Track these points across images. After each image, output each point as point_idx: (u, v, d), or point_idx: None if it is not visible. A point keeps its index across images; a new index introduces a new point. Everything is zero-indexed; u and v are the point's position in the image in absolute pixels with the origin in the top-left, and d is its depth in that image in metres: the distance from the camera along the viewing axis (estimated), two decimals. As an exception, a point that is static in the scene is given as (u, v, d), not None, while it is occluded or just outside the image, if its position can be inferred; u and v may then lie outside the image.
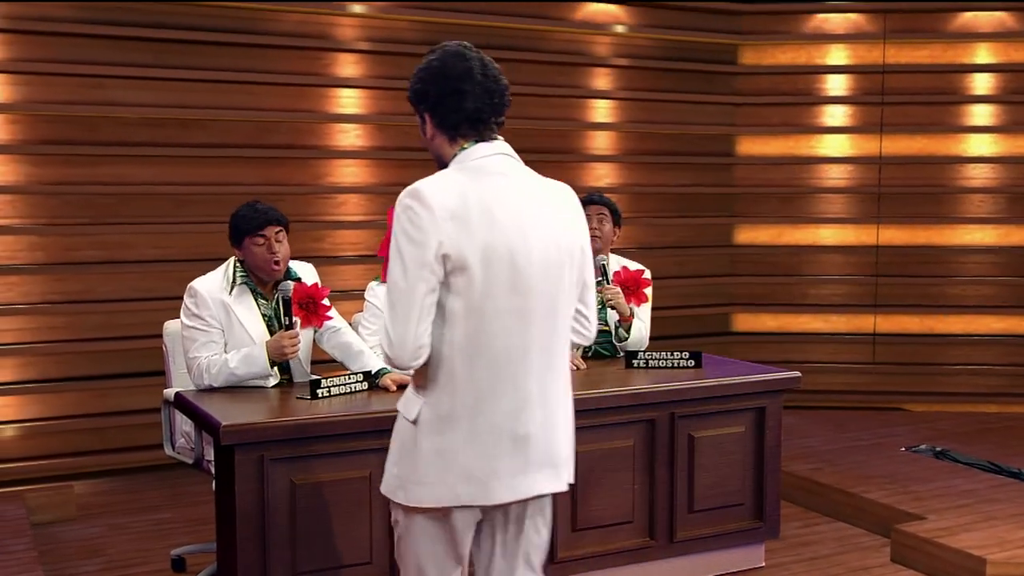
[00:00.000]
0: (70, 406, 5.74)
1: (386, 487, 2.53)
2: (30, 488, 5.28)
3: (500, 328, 2.38)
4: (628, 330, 4.48)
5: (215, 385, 3.78)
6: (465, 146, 2.49)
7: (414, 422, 2.44)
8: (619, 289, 4.40)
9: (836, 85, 7.47)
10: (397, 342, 2.36)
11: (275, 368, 3.82)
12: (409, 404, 2.48)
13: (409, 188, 2.40)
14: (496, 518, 2.52)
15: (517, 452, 2.42)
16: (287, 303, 3.79)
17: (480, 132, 2.50)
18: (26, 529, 4.75)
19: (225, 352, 3.81)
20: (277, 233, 3.84)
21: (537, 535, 2.59)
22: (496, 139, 2.52)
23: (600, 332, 4.49)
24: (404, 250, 2.36)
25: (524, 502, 2.50)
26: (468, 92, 2.46)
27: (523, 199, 2.46)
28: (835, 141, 7.49)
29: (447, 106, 2.47)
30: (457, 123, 2.48)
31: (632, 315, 4.47)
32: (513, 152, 2.54)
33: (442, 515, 2.44)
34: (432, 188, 2.38)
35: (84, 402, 5.77)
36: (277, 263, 3.83)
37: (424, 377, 2.43)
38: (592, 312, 2.62)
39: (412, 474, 2.44)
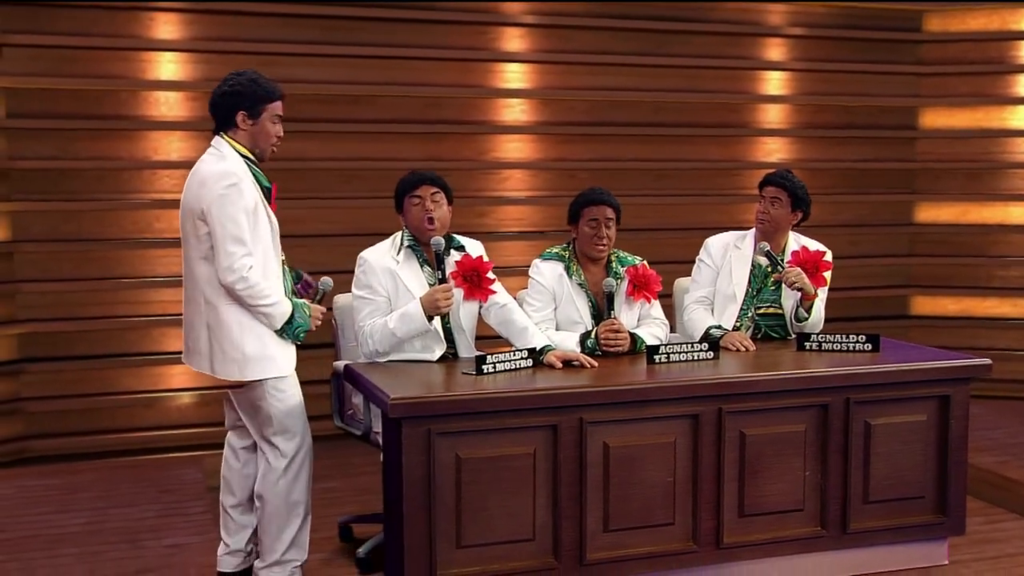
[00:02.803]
0: (244, 375, 5.94)
1: None
2: (206, 453, 5.52)
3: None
4: (808, 310, 4.28)
5: (380, 350, 3.85)
6: None
7: None
8: (799, 269, 4.21)
9: (1033, 52, 6.99)
10: None
11: (434, 323, 3.82)
12: None
13: None
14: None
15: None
16: (439, 257, 3.82)
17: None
18: (203, 493, 4.95)
19: None
20: (433, 194, 3.89)
21: (247, 413, 3.71)
22: (215, 136, 3.64)
23: (771, 315, 4.35)
24: None
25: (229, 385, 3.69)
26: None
27: (194, 172, 3.64)
28: (1030, 113, 7.02)
29: None
30: None
31: (815, 294, 4.27)
32: (217, 143, 3.62)
33: None
34: None
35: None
36: (431, 220, 3.86)
37: None
38: (222, 256, 3.50)
39: None
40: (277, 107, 3.65)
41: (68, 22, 5.62)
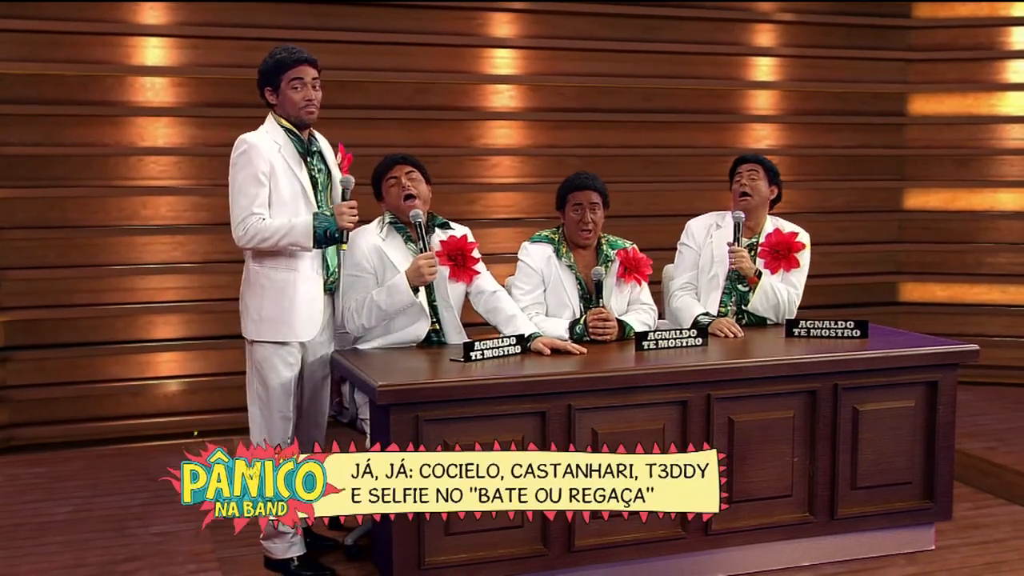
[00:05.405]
0: (231, 363, 5.91)
1: None
2: (193, 441, 5.50)
3: None
4: (752, 290, 4.30)
5: (367, 324, 3.86)
6: None
7: None
8: (744, 251, 4.24)
9: (1022, 39, 6.96)
10: None
11: (419, 295, 3.84)
12: None
13: None
14: None
15: None
16: (420, 227, 3.87)
17: None
18: (190, 480, 4.92)
19: None
20: (408, 173, 3.94)
21: None
22: None
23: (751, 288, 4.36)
24: None
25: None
26: None
27: None
28: (1019, 99, 7.01)
29: None
30: None
31: (757, 276, 4.27)
32: (267, 119, 3.81)
33: None
34: None
35: (245, 359, 5.94)
36: (409, 196, 3.90)
37: None
38: (231, 218, 3.67)
39: None
40: (293, 72, 3.72)
41: (53, 7, 5.57)
